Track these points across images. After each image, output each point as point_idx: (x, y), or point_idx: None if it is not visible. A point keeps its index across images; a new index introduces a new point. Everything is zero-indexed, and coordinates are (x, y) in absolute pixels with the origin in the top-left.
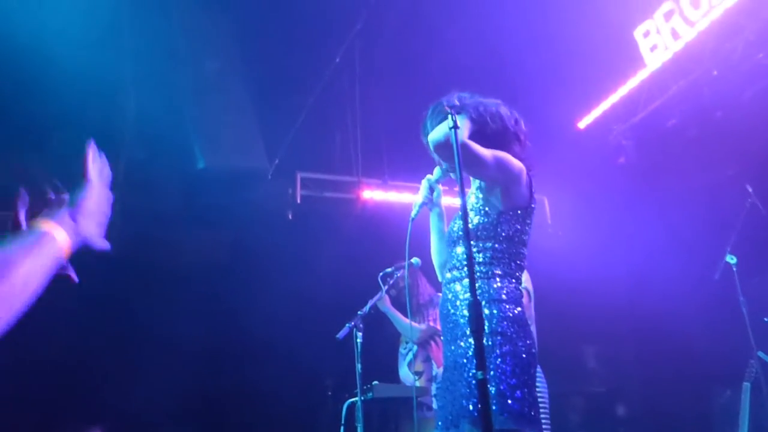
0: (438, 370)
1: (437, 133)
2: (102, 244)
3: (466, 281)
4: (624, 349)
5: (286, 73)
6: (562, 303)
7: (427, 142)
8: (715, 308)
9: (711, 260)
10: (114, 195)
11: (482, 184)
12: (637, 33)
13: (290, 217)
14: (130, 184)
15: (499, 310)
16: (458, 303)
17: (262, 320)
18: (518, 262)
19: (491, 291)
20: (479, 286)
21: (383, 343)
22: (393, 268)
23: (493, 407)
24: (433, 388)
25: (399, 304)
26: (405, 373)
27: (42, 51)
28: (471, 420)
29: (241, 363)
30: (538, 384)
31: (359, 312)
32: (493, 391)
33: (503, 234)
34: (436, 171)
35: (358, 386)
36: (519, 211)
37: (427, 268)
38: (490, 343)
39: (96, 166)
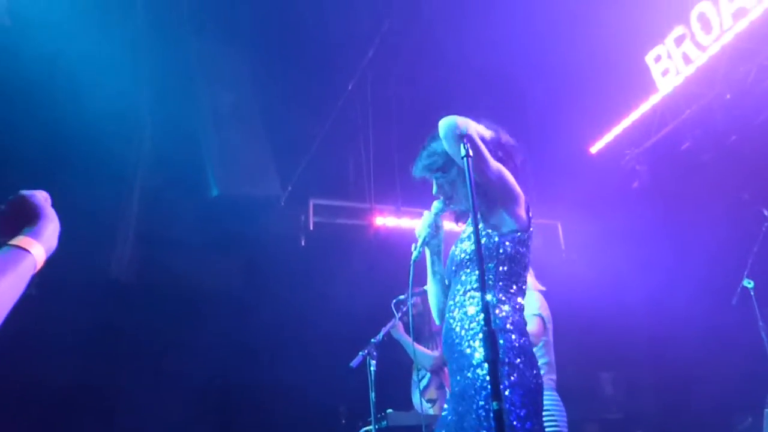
0: None
1: (447, 119)
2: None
3: (470, 309)
4: (641, 375)
5: (299, 102)
6: (579, 328)
7: (415, 176)
8: (734, 333)
9: (728, 285)
10: (129, 222)
11: (483, 207)
12: (649, 58)
13: (303, 243)
14: (145, 210)
15: (505, 340)
16: (463, 333)
17: (274, 348)
18: (520, 285)
19: (497, 321)
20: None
21: (397, 371)
22: (406, 295)
23: None
24: None
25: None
26: (418, 401)
27: (60, 79)
28: None
29: (255, 391)
30: (556, 410)
31: (372, 340)
32: None
33: (504, 255)
34: (436, 204)
35: (372, 414)
36: (518, 234)
37: None
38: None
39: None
